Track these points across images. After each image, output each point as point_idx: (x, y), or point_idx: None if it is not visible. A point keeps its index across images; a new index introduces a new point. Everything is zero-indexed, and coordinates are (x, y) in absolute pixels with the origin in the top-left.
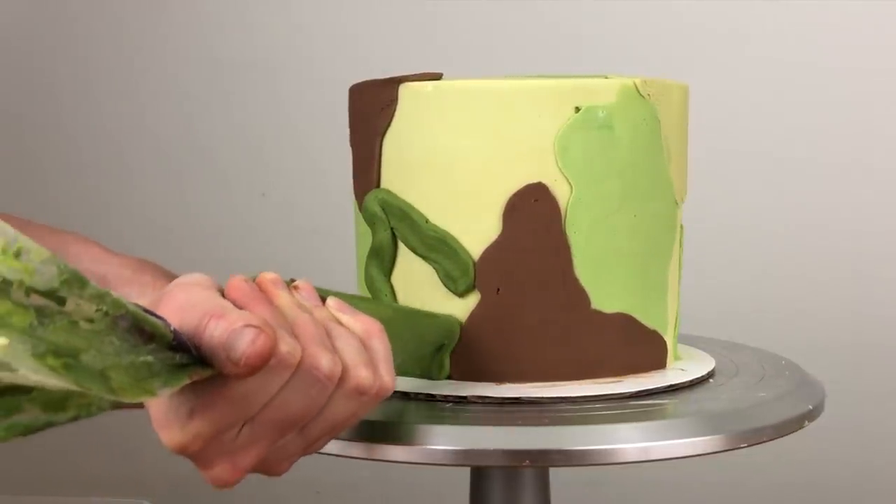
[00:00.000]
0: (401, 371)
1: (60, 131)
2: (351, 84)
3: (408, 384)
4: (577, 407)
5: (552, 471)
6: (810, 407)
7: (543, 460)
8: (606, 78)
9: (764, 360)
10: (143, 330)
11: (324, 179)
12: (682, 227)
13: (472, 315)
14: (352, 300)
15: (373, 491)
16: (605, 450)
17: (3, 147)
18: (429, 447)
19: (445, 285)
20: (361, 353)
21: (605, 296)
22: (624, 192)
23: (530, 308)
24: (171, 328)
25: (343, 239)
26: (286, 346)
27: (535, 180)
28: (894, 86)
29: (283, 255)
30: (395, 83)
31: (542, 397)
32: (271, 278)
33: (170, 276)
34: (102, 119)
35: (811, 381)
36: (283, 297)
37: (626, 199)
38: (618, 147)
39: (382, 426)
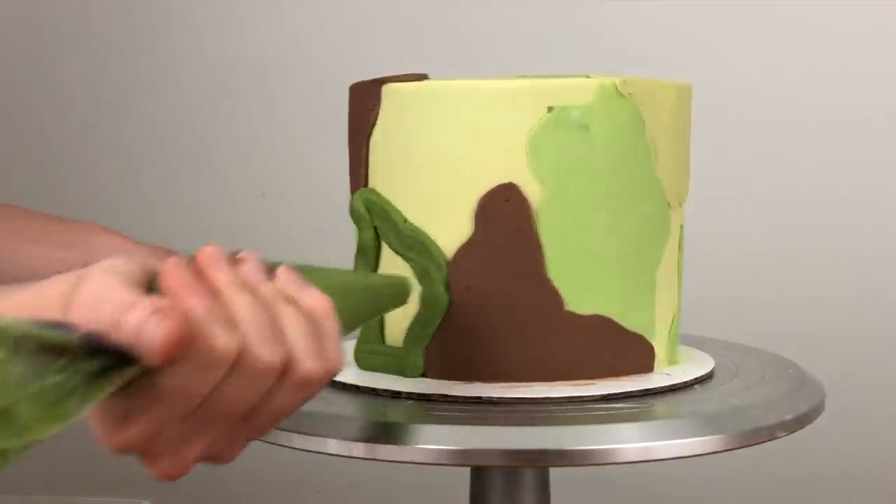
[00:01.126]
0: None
1: (60, 131)
2: (350, 84)
3: (458, 388)
4: (577, 407)
5: (552, 471)
6: (810, 407)
7: (543, 460)
8: (588, 78)
9: (764, 360)
10: (51, 347)
11: (324, 179)
12: (681, 228)
13: (447, 314)
14: (303, 270)
15: (373, 491)
16: (605, 450)
17: (4, 146)
18: (429, 447)
19: (421, 283)
20: (309, 339)
21: (581, 297)
22: (602, 193)
23: (502, 308)
24: (83, 333)
25: (343, 239)
26: (222, 339)
27: (506, 180)
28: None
29: (283, 255)
30: (378, 84)
31: (508, 398)
32: (209, 255)
33: None
34: (102, 119)
35: (811, 381)
36: (222, 278)
37: (604, 199)
38: (595, 147)
39: (382, 426)
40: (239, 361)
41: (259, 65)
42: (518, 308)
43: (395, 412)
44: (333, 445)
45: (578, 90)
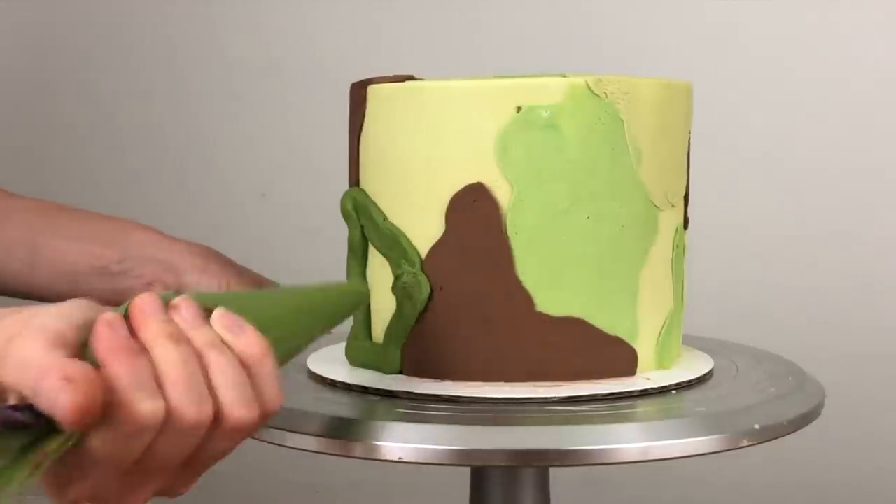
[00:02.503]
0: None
1: (59, 130)
2: (350, 84)
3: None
4: (576, 407)
5: (552, 471)
6: (810, 407)
7: (543, 460)
8: (565, 77)
9: (764, 360)
10: None
11: (324, 179)
12: (678, 228)
13: (422, 312)
14: (247, 299)
15: (373, 491)
16: (605, 450)
17: (4, 145)
18: (429, 447)
19: (397, 282)
20: (239, 387)
21: (552, 299)
22: (574, 194)
23: (473, 307)
24: (7, 407)
25: (343, 239)
26: (146, 404)
27: (474, 180)
28: None
29: (283, 255)
30: (365, 85)
31: (480, 397)
32: (141, 306)
33: (229, 264)
34: (101, 119)
35: (811, 382)
36: (152, 330)
37: (576, 200)
38: (566, 147)
39: (381, 426)
40: (167, 422)
41: (259, 65)
42: (489, 308)
43: (389, 411)
44: (333, 445)
45: (548, 90)
